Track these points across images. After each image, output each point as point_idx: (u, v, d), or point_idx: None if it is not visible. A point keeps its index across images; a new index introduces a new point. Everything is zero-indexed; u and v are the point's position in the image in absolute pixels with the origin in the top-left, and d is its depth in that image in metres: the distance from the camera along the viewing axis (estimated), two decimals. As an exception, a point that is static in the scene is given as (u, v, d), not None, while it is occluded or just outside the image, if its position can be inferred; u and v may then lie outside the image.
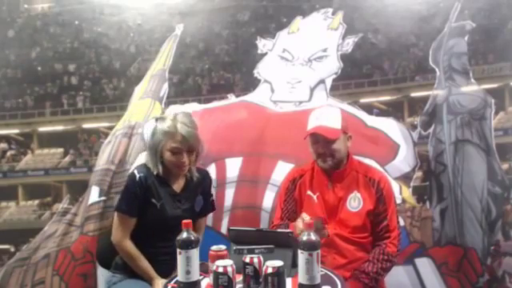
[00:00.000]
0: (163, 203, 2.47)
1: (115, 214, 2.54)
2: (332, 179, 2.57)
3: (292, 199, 2.66)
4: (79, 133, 25.34)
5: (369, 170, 2.63)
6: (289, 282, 1.99)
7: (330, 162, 2.54)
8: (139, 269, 2.49)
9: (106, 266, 2.65)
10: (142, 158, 2.66)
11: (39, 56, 27.86)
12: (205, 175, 2.64)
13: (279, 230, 2.35)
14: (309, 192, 2.60)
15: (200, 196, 2.59)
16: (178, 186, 2.54)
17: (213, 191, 3.34)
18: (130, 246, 2.49)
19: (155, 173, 2.47)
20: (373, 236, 2.55)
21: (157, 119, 2.51)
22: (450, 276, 3.21)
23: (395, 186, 3.27)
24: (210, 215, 3.33)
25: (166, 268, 2.50)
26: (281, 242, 2.13)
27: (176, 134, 2.43)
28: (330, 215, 2.53)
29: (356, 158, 2.68)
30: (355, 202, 2.54)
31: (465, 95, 3.51)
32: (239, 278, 1.97)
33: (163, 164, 2.47)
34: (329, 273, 2.17)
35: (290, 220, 2.61)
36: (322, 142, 2.52)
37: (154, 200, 2.46)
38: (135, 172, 2.49)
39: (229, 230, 2.34)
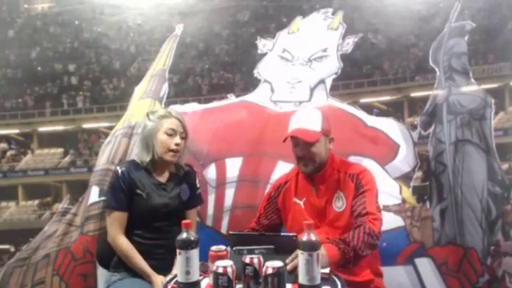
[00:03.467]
0: (148, 192, 2.55)
1: (107, 212, 2.62)
2: (314, 183, 2.56)
3: (273, 206, 2.67)
4: (79, 133, 25.37)
5: (350, 166, 2.61)
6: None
7: (312, 167, 2.53)
8: (135, 266, 2.52)
9: (106, 266, 2.67)
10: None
11: (39, 56, 27.90)
12: (190, 169, 2.73)
13: (283, 234, 2.33)
14: (295, 199, 2.60)
15: (185, 185, 2.65)
16: (162, 177, 2.63)
17: (213, 191, 3.37)
18: (124, 242, 2.54)
19: (148, 159, 2.56)
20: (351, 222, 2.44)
21: (148, 113, 2.65)
22: (450, 276, 3.21)
23: (395, 186, 3.27)
24: (210, 215, 3.34)
25: (163, 263, 2.54)
26: (285, 246, 2.10)
27: (171, 116, 2.60)
28: (319, 219, 2.51)
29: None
30: (339, 202, 2.53)
31: (465, 95, 3.51)
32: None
33: (152, 157, 2.57)
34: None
35: (267, 226, 2.63)
36: (301, 145, 2.51)
37: (139, 191, 2.55)
38: (117, 168, 2.61)
39: (229, 234, 2.33)
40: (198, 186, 2.75)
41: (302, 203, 2.57)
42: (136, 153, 2.65)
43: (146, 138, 2.59)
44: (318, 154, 2.51)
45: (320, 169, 2.55)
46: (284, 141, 2.54)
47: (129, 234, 2.56)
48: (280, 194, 2.66)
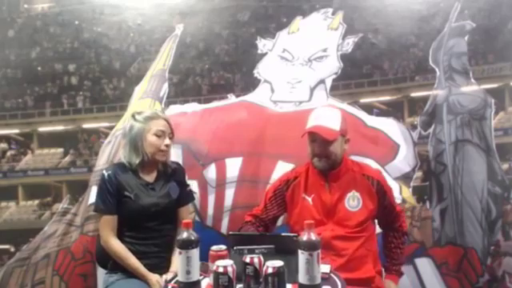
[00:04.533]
0: (136, 193, 2.55)
1: (98, 216, 2.62)
2: (328, 179, 2.56)
3: (281, 199, 2.65)
4: (79, 133, 25.36)
5: (364, 168, 2.64)
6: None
7: (325, 163, 2.53)
8: (129, 267, 2.52)
9: (105, 267, 2.67)
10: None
11: (39, 56, 27.88)
12: (177, 165, 2.72)
13: (283, 234, 2.32)
14: (303, 195, 2.59)
15: (174, 183, 2.64)
16: (150, 177, 2.61)
17: (213, 191, 3.37)
18: (116, 244, 2.53)
19: (138, 161, 2.55)
20: (383, 226, 2.69)
21: (134, 114, 2.64)
22: (449, 276, 3.21)
23: (395, 186, 3.27)
24: (210, 215, 3.34)
25: (159, 261, 2.54)
26: (286, 246, 2.09)
27: (159, 118, 2.60)
28: (327, 216, 2.52)
29: (354, 157, 2.68)
30: (354, 201, 2.54)
31: (465, 95, 3.51)
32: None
33: (141, 158, 2.57)
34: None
35: (272, 216, 2.64)
36: (319, 141, 2.51)
37: (127, 193, 2.54)
38: (103, 171, 2.60)
39: (229, 235, 2.32)
40: (188, 183, 2.75)
41: (310, 199, 2.57)
42: (123, 154, 2.61)
43: (134, 140, 2.56)
44: (334, 153, 2.52)
45: (334, 167, 2.56)
46: (302, 136, 2.54)
47: (121, 236, 2.55)
48: (289, 188, 2.64)
